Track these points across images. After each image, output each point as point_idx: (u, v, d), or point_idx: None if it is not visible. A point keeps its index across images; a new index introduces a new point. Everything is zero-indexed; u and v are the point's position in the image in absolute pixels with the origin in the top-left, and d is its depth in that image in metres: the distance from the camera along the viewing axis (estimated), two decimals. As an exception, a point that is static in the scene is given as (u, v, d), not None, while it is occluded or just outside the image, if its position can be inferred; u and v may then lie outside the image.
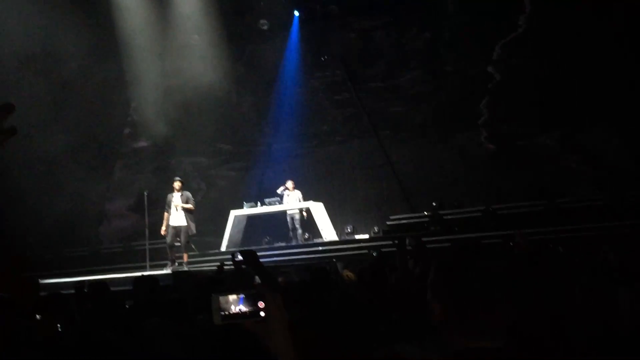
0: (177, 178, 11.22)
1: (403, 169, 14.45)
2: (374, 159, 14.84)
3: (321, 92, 15.71)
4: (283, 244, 13.27)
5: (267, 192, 13.75)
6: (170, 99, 15.83)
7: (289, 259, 11.08)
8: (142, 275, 4.90)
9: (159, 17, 15.10)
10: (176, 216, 10.87)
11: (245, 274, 6.54)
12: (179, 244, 10.98)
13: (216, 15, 14.92)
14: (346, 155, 15.11)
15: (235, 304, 1.38)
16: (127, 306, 4.64)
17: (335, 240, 12.57)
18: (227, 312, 1.38)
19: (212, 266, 11.13)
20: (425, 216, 12.24)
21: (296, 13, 15.68)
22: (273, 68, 16.05)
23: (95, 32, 14.17)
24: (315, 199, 12.99)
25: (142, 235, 12.04)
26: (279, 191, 12.90)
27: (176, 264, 10.83)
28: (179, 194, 10.94)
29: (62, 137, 13.55)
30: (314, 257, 11.34)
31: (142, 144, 16.86)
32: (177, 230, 10.87)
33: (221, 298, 1.38)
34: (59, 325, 4.27)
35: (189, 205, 10.91)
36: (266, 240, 14.31)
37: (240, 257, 4.40)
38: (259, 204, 13.07)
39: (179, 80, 15.28)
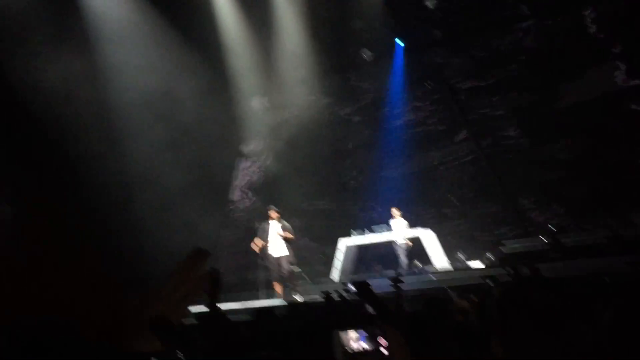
0: (273, 207, 11.27)
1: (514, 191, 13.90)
2: (481, 181, 14.40)
3: (428, 119, 15.52)
4: (393, 272, 13.08)
5: (374, 220, 13.75)
6: (276, 134, 16.40)
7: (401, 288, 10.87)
8: (264, 307, 5.00)
9: (264, 54, 15.72)
10: (276, 246, 10.91)
11: (357, 304, 6.54)
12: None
13: (319, 48, 15.30)
14: (452, 179, 14.76)
15: (356, 341, 1.37)
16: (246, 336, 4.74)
17: (449, 270, 12.21)
18: (349, 350, 1.37)
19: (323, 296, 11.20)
20: (543, 241, 11.60)
21: (400, 42, 15.68)
22: (377, 97, 16.14)
23: (208, 73, 14.97)
24: (424, 226, 12.75)
25: (255, 266, 12.34)
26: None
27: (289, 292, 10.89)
28: (278, 223, 10.97)
29: (179, 176, 14.33)
30: (426, 287, 11.09)
31: (253, 179, 17.53)
32: (279, 260, 10.87)
33: (342, 334, 1.37)
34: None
35: (290, 235, 10.92)
36: (376, 268, 14.22)
37: (353, 289, 4.37)
38: (366, 231, 13.03)
39: (285, 115, 15.76)
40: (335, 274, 12.96)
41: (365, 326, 1.24)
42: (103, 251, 12.94)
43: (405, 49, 15.72)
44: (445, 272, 11.90)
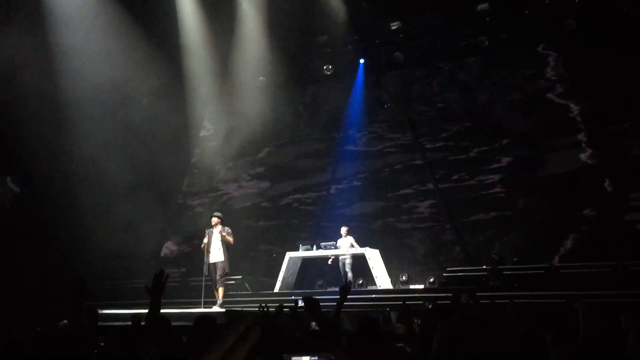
0: (216, 213, 11.08)
1: (461, 221, 14.16)
2: (433, 209, 14.61)
3: (384, 138, 15.68)
4: (336, 289, 13.09)
5: (324, 236, 13.77)
6: (229, 141, 16.27)
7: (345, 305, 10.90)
8: (203, 314, 4.87)
9: (223, 58, 15.55)
10: (215, 252, 10.71)
11: (300, 320, 6.47)
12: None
13: (281, 59, 15.27)
14: (405, 203, 14.94)
15: None
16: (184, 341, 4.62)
17: (389, 289, 12.33)
18: None
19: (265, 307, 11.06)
20: (484, 270, 11.86)
21: (361, 60, 15.83)
22: (337, 112, 16.25)
23: (164, 72, 14.67)
24: (372, 246, 12.85)
25: (200, 272, 12.10)
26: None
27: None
28: (218, 228, 10.82)
29: (126, 174, 13.97)
30: (367, 305, 11.17)
31: (201, 188, 17.32)
32: (215, 266, 10.60)
33: (294, 359, 1.32)
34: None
35: (229, 239, 10.65)
36: (319, 283, 14.22)
37: (301, 304, 4.31)
38: (314, 247, 13.03)
39: (240, 121, 15.63)
40: (278, 285, 12.87)
41: (319, 353, 1.18)
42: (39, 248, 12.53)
43: (366, 67, 15.88)
44: (386, 291, 12.02)
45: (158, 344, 3.86)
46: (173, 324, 5.04)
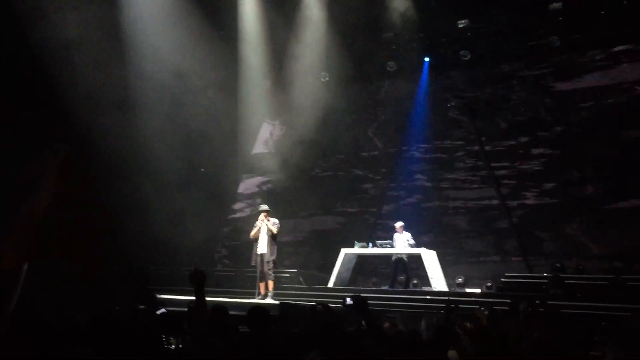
0: (263, 206, 11.22)
1: (524, 226, 13.79)
2: (495, 212, 14.29)
3: (447, 137, 15.44)
4: (388, 288, 13.04)
5: (381, 234, 13.73)
6: (288, 138, 16.39)
7: (396, 305, 10.84)
8: (257, 305, 4.94)
9: (286, 54, 15.64)
10: (263, 244, 10.88)
11: (351, 317, 6.46)
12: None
13: (344, 55, 15.23)
14: (466, 204, 14.68)
15: None
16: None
17: (444, 291, 12.14)
18: None
19: (317, 301, 11.15)
20: (545, 277, 11.50)
21: (426, 58, 15.60)
22: (399, 110, 16.10)
23: (227, 66, 14.94)
24: (429, 247, 12.70)
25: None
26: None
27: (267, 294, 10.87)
28: (266, 221, 10.97)
29: (185, 165, 14.32)
30: (420, 306, 11.04)
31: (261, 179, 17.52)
32: (262, 258, 10.85)
33: None
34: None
35: (274, 230, 10.86)
36: (373, 281, 14.18)
37: (350, 302, 4.30)
38: (370, 244, 12.99)
39: (301, 119, 15.70)
40: (332, 281, 12.91)
41: None
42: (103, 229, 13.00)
43: (431, 65, 15.62)
44: (442, 293, 11.83)
45: (212, 331, 3.93)
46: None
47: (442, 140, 15.44)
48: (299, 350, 3.96)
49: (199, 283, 3.84)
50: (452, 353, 5.00)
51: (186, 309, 6.88)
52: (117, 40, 13.30)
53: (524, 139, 14.31)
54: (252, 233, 10.99)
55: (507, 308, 7.52)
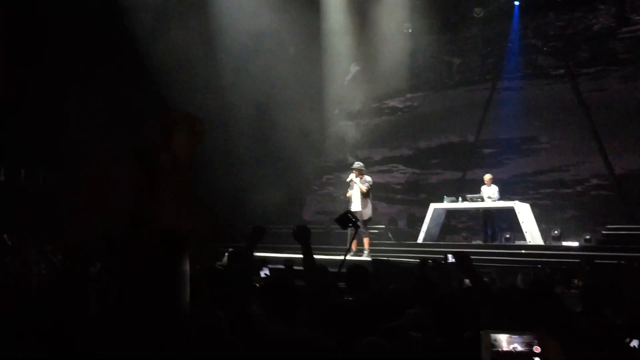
0: (355, 164, 10.99)
1: (626, 177, 13.00)
2: (592, 161, 13.55)
3: (539, 84, 14.68)
4: (480, 242, 12.77)
5: (470, 188, 13.39)
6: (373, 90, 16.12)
7: (488, 259, 10.61)
8: (355, 262, 4.96)
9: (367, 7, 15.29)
10: (356, 202, 10.83)
11: (446, 274, 6.36)
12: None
13: (427, 3, 14.66)
14: (561, 154, 14.00)
15: (509, 343, 1.25)
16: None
17: (541, 245, 11.75)
18: (498, 350, 1.25)
19: (407, 257, 11.12)
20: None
21: (516, 2, 14.72)
22: (488, 58, 15.42)
23: (308, 24, 14.81)
24: (522, 200, 12.27)
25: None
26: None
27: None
28: (358, 179, 10.90)
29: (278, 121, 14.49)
30: (514, 260, 10.75)
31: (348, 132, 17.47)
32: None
33: (492, 335, 1.25)
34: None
35: (364, 189, 10.69)
36: (463, 235, 13.94)
37: (452, 259, 4.19)
38: (460, 199, 12.71)
39: (385, 72, 15.37)
40: (421, 236, 12.80)
41: (519, 332, 1.13)
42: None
43: (522, 9, 14.76)
44: (537, 247, 11.46)
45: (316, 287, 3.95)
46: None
47: (535, 88, 14.69)
48: (399, 307, 3.93)
49: (304, 239, 3.83)
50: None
51: (283, 267, 7.05)
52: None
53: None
54: (348, 193, 10.97)
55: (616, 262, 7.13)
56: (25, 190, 12.73)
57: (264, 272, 6.38)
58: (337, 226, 4.77)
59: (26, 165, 12.94)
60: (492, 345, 1.24)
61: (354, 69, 17.35)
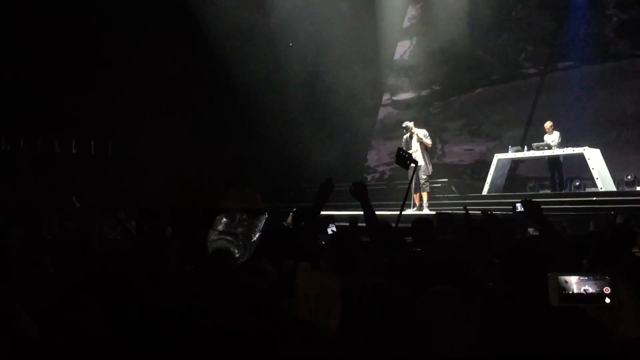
0: (406, 123, 10.81)
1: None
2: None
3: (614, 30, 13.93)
4: (548, 192, 12.42)
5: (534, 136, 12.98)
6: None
7: (557, 208, 10.35)
8: (419, 216, 4.96)
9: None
10: (416, 156, 10.60)
11: (515, 222, 6.25)
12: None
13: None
14: (629, 98, 13.31)
15: (579, 285, 1.22)
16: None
17: (613, 191, 11.31)
18: (568, 292, 1.22)
19: (472, 210, 10.97)
20: None
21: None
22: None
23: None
24: (591, 145, 11.78)
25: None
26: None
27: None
28: (415, 132, 10.67)
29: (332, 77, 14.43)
30: (585, 208, 10.41)
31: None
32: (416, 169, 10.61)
33: (561, 278, 1.23)
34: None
35: (426, 141, 10.61)
36: (530, 185, 13.58)
37: (520, 208, 4.10)
38: (525, 148, 12.34)
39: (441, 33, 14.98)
40: (486, 188, 12.57)
41: (589, 273, 1.09)
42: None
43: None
44: (609, 194, 11.05)
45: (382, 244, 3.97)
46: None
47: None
48: (467, 258, 3.90)
49: (362, 196, 3.83)
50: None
51: (347, 224, 7.10)
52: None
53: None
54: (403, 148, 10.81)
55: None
56: (96, 160, 13.28)
57: (331, 229, 6.44)
58: (398, 181, 4.79)
59: (95, 136, 13.45)
60: (562, 288, 1.21)
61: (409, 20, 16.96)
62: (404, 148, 10.66)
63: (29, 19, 11.62)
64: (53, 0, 11.93)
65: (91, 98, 12.02)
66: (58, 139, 13.09)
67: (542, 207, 3.82)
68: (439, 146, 15.55)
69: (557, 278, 1.20)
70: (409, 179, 10.52)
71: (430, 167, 10.78)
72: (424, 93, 16.74)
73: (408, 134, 10.73)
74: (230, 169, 13.33)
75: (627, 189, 11.67)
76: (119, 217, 4.97)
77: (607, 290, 1.21)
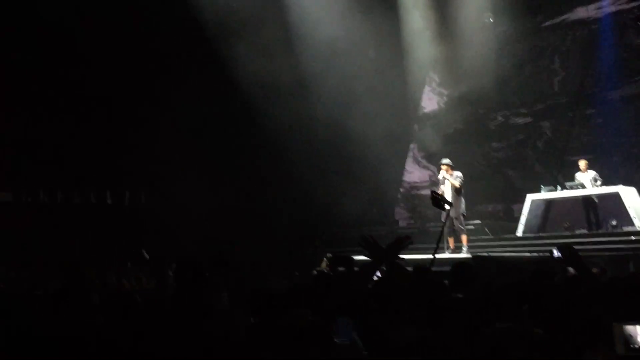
0: (444, 160, 10.78)
1: None
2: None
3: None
4: (585, 231, 12.20)
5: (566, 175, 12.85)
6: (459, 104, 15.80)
7: (595, 249, 10.16)
8: (459, 260, 4.95)
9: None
10: (447, 198, 10.50)
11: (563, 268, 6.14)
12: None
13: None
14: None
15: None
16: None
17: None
18: (635, 345, 1.21)
19: (507, 252, 10.84)
20: None
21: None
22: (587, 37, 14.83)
23: (387, 25, 14.87)
24: (626, 183, 11.62)
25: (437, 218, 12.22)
26: None
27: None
28: (448, 174, 10.58)
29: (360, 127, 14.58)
30: (624, 248, 10.21)
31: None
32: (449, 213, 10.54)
33: (627, 328, 1.22)
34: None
35: (456, 184, 10.46)
36: (566, 226, 13.34)
37: (558, 254, 4.08)
38: (558, 187, 12.23)
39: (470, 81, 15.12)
40: (520, 229, 12.42)
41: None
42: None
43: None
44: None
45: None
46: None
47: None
48: (506, 302, 3.87)
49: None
50: None
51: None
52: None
53: None
54: (439, 191, 10.77)
55: None
56: (130, 211, 13.56)
57: (376, 275, 6.39)
58: (431, 224, 4.80)
59: (129, 188, 13.77)
60: (627, 340, 1.21)
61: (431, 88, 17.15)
62: (440, 186, 10.71)
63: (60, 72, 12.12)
64: (83, 55, 12.32)
65: (126, 150, 12.42)
66: (94, 192, 13.44)
67: (578, 248, 3.81)
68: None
69: (622, 327, 1.19)
70: (443, 221, 10.59)
71: (463, 208, 10.69)
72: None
73: (444, 171, 10.69)
74: (259, 217, 13.47)
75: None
76: (165, 267, 5.05)
77: None
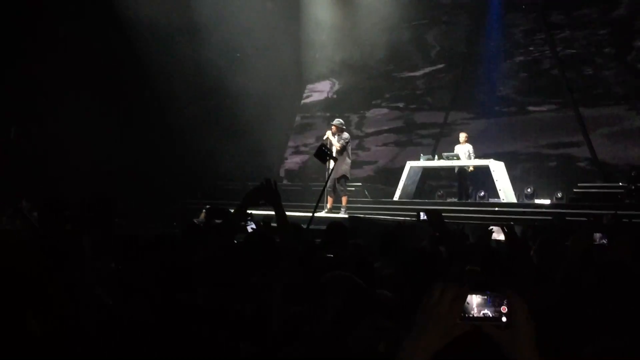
0: (334, 121, 10.77)
1: (597, 137, 13.27)
2: (566, 119, 13.78)
3: (518, 48, 14.81)
4: (455, 200, 12.97)
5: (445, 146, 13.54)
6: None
7: (462, 217, 10.81)
8: (334, 219, 5.03)
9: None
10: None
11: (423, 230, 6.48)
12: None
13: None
14: (535, 118, 14.18)
15: (480, 307, 1.21)
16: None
17: (513, 203, 11.97)
18: (467, 315, 1.21)
19: (384, 215, 11.28)
20: (620, 187, 11.11)
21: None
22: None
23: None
24: (497, 158, 12.42)
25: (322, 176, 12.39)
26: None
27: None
28: (336, 135, 10.60)
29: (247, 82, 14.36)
30: (487, 218, 10.94)
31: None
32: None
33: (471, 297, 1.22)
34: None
35: (338, 146, 10.44)
36: (439, 194, 14.11)
37: (424, 217, 4.28)
38: (436, 157, 12.84)
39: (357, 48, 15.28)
40: (397, 194, 12.94)
41: (490, 291, 1.09)
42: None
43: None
44: (509, 205, 11.67)
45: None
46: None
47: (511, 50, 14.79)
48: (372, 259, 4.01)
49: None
50: None
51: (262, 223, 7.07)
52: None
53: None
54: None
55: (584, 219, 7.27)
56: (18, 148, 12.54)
57: (250, 227, 6.32)
58: (315, 183, 4.86)
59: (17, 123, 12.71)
60: (462, 310, 1.21)
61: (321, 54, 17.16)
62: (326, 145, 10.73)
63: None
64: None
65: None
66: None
67: (447, 215, 4.02)
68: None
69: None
70: (326, 178, 10.70)
71: (347, 169, 10.77)
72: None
73: (330, 132, 10.66)
74: (141, 163, 13.00)
75: (526, 201, 12.41)
76: (20, 207, 4.72)
77: (503, 308, 1.18)
